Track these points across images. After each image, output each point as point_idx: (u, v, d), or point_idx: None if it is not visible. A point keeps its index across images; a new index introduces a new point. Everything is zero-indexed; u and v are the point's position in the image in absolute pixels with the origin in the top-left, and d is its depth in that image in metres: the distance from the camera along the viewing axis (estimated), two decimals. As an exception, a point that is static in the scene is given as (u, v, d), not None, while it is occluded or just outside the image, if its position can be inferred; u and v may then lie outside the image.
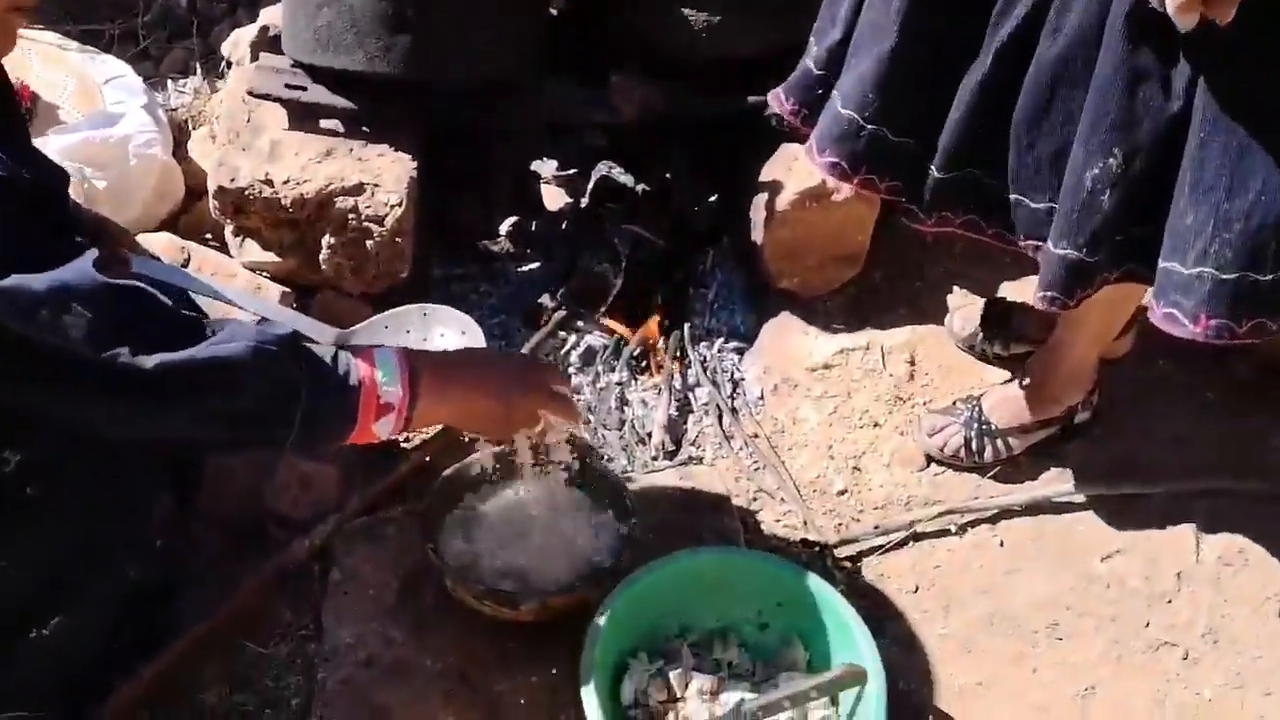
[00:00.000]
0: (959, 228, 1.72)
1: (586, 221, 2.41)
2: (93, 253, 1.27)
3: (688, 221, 2.42)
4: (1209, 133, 1.42)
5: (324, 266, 2.10)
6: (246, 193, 2.02)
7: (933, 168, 1.67)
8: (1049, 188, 1.58)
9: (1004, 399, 2.00)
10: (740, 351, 2.24)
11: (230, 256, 2.15)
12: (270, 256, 2.11)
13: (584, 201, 2.45)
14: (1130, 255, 1.56)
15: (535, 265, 2.40)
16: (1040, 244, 1.61)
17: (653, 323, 2.25)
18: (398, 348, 1.43)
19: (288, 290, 2.11)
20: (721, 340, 2.25)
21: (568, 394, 1.58)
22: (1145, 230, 1.53)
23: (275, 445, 1.35)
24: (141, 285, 1.28)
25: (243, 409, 1.28)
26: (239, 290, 1.97)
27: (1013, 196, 1.63)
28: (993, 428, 1.99)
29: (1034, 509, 1.95)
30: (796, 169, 2.14)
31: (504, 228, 2.43)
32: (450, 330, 1.95)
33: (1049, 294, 1.59)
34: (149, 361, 1.20)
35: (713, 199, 2.47)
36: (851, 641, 1.56)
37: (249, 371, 1.26)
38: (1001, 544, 1.92)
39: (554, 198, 2.53)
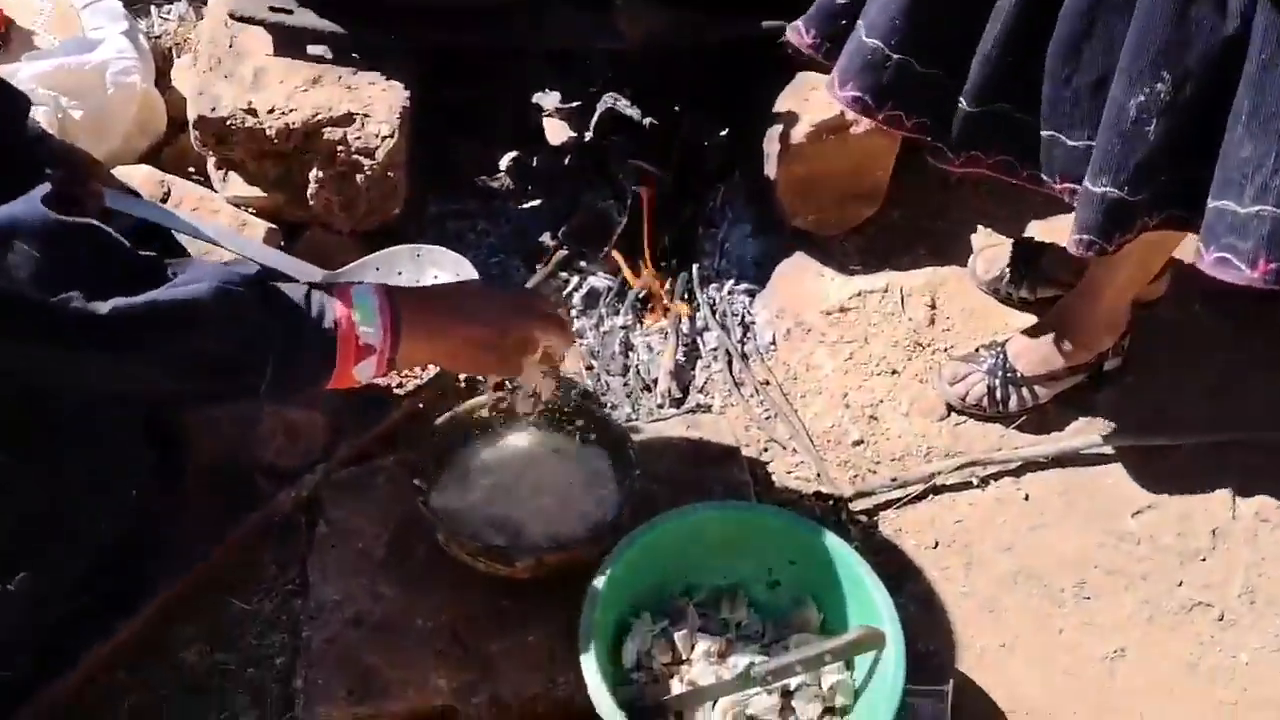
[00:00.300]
0: (990, 169, 1.62)
1: (591, 157, 2.30)
2: (45, 186, 1.17)
3: (697, 157, 2.31)
4: (1271, 55, 1.31)
5: (312, 202, 2.00)
6: (228, 123, 1.92)
7: (962, 102, 1.57)
8: (1087, 123, 1.48)
9: (1030, 345, 1.91)
10: (751, 294, 2.15)
11: (214, 191, 2.05)
12: (255, 191, 2.01)
13: (588, 135, 2.34)
14: (1175, 197, 1.46)
15: (536, 203, 2.30)
16: (1076, 187, 1.52)
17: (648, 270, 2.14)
18: (377, 284, 1.32)
19: (274, 227, 2.02)
20: (732, 282, 2.16)
21: (561, 316, 1.47)
22: (1193, 170, 1.43)
23: (247, 394, 1.25)
24: (97, 224, 1.18)
25: (208, 356, 1.19)
26: (221, 228, 1.88)
27: (1047, 134, 1.53)
28: (1018, 375, 1.90)
29: (1061, 461, 1.88)
30: (814, 100, 2.03)
31: (503, 163, 2.32)
32: (445, 272, 1.87)
33: (1085, 237, 1.50)
34: (104, 307, 1.11)
35: (723, 133, 2.36)
36: (868, 601, 1.49)
37: (213, 315, 1.16)
38: (1026, 498, 1.85)
39: (556, 131, 2.41)
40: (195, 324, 1.17)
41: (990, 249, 2.11)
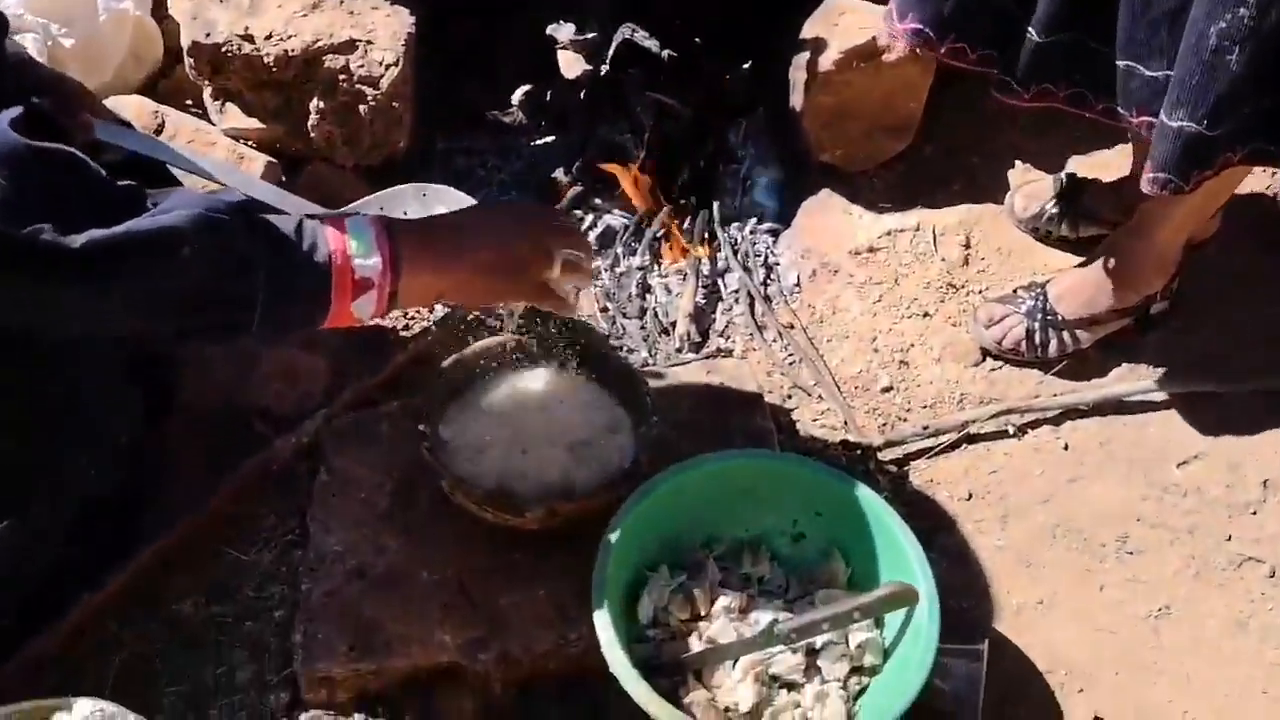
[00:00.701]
0: (1062, 103, 1.55)
1: (606, 90, 2.21)
2: (14, 110, 1.08)
3: (718, 91, 2.23)
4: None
5: (313, 135, 1.93)
6: (224, 49, 1.85)
7: (1031, 32, 1.49)
8: (1166, 52, 1.40)
9: (1073, 286, 1.82)
10: (775, 233, 2.08)
11: (211, 124, 1.96)
12: (253, 123, 1.94)
13: (604, 69, 2.24)
14: (1259, 130, 1.39)
15: (550, 139, 2.22)
16: (1155, 121, 1.43)
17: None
18: (374, 215, 1.23)
19: (274, 161, 1.95)
20: (754, 221, 2.09)
21: (574, 226, 1.37)
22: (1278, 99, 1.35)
23: (238, 332, 1.17)
24: (72, 150, 1.09)
25: (192, 291, 1.10)
26: (217, 161, 1.80)
27: (1123, 64, 1.46)
28: (1059, 318, 1.81)
29: (1103, 409, 1.80)
30: (843, 24, 1.94)
31: (516, 97, 2.27)
32: (450, 210, 1.78)
33: (1160, 175, 1.42)
34: (78, 239, 1.03)
35: (746, 66, 2.27)
36: (900, 555, 1.42)
37: (195, 245, 1.08)
38: (1066, 447, 1.77)
39: (571, 64, 2.35)
40: (176, 255, 1.08)
41: (1029, 185, 2.01)
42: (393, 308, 1.23)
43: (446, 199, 1.80)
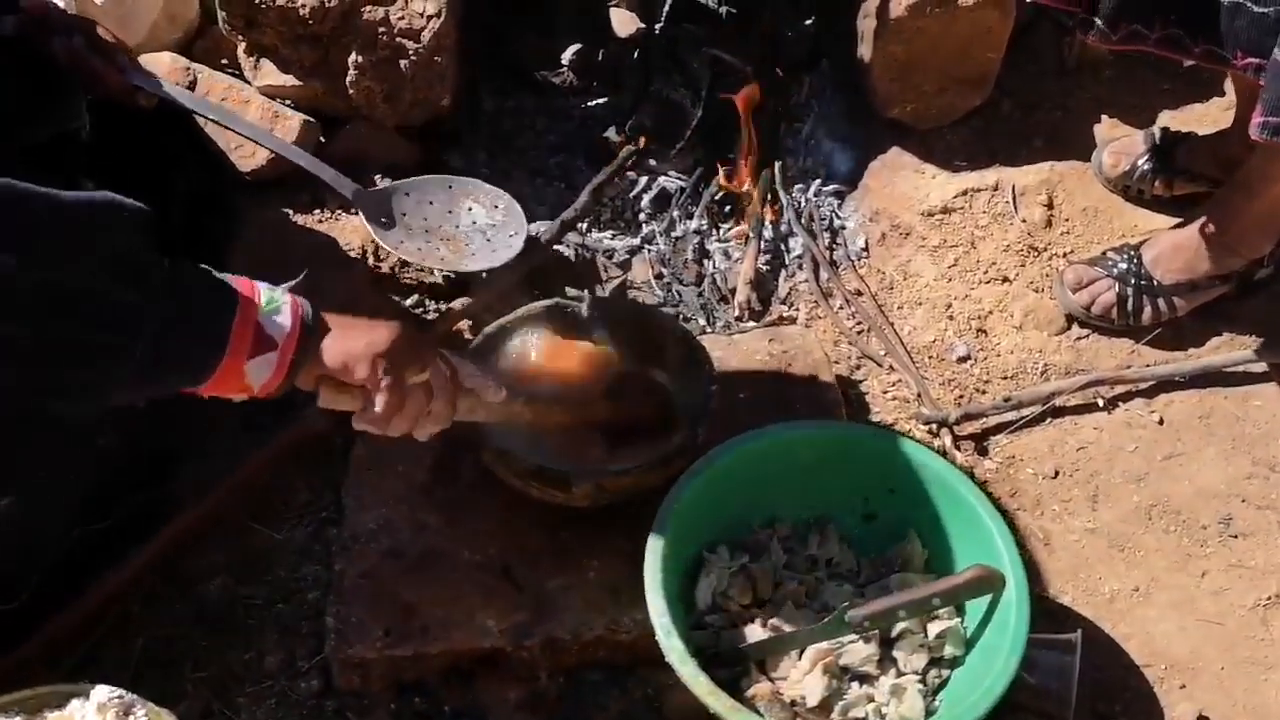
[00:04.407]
0: (1154, 46, 1.46)
1: (661, 47, 2.10)
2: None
3: (780, 46, 2.12)
4: None
5: (351, 92, 1.85)
6: (259, 1, 1.73)
7: None
8: None
9: (1171, 248, 1.72)
10: (840, 195, 1.99)
11: (247, 82, 1.87)
12: (290, 80, 1.86)
13: (659, 26, 2.13)
14: None
15: (602, 100, 2.11)
16: (1262, 62, 1.34)
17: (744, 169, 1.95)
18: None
19: (311, 120, 1.87)
20: (818, 182, 1.99)
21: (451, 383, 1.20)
22: None
23: (108, 362, 0.97)
24: None
25: (75, 286, 0.93)
26: (250, 123, 1.72)
27: (1228, 1, 1.36)
28: (1154, 283, 1.71)
29: (1201, 381, 1.71)
30: (917, -35, 1.82)
31: (566, 56, 2.16)
32: (481, 205, 1.74)
33: (1271, 120, 1.34)
34: None
35: (809, 21, 2.14)
36: (983, 537, 1.32)
37: (104, 230, 0.95)
38: (1161, 422, 1.68)
39: (624, 22, 2.25)
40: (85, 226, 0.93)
41: (1118, 140, 1.91)
42: (291, 381, 1.07)
43: (473, 191, 1.74)
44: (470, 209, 1.71)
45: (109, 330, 0.95)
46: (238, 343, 1.01)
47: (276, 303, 1.04)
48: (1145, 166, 1.83)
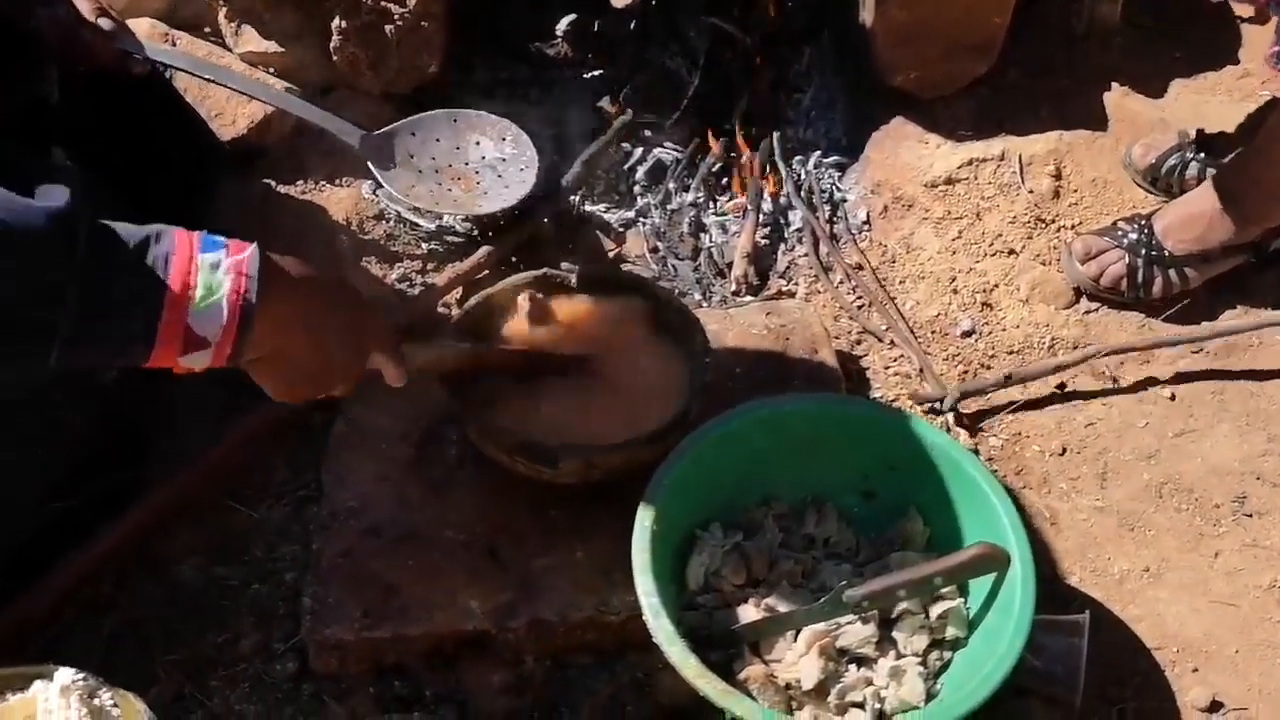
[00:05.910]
0: None
1: (659, 15, 2.05)
2: None
3: (779, 13, 2.08)
4: None
5: (336, 58, 1.81)
6: (239, -38, 1.70)
7: None
8: None
9: (1183, 217, 1.67)
10: (842, 167, 1.95)
11: (227, 49, 1.83)
12: (272, 46, 1.83)
13: (655, -5, 2.09)
14: None
15: (597, 72, 2.06)
16: None
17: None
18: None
19: (294, 89, 1.82)
20: (819, 154, 1.95)
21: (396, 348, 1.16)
22: None
23: (35, 339, 0.91)
24: None
25: None
26: (245, 77, 1.68)
27: None
28: (1166, 254, 1.67)
29: (1214, 355, 1.66)
30: (920, -74, 1.77)
31: (561, 27, 2.11)
32: (488, 138, 1.69)
33: None
34: None
35: (810, -10, 2.10)
36: (988, 514, 1.27)
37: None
38: (1172, 398, 1.64)
39: None
40: None
41: (1151, 134, 1.84)
42: (236, 363, 1.00)
43: (478, 124, 1.69)
44: (478, 143, 1.67)
45: (21, 342, 0.89)
46: (163, 349, 0.94)
47: (215, 293, 0.95)
48: (1175, 162, 1.78)
